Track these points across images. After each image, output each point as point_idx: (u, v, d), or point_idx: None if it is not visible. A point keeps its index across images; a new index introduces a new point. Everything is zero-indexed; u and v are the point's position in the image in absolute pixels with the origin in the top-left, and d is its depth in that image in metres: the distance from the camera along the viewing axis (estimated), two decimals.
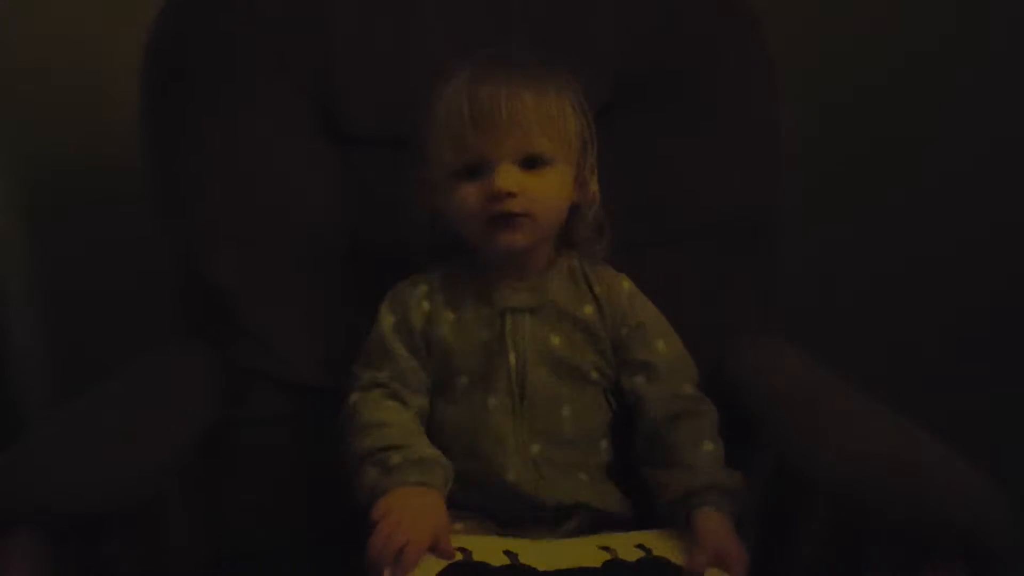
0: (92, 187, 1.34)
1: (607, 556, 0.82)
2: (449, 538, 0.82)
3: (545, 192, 0.90)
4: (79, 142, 1.33)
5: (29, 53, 1.29)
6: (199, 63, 1.06)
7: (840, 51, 1.36)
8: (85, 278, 1.36)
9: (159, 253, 1.09)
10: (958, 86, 1.36)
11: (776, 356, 1.04)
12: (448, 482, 0.88)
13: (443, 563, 0.80)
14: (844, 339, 1.21)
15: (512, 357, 0.92)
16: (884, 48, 1.36)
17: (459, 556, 0.81)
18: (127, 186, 1.23)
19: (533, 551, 0.83)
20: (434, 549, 0.80)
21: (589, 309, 0.96)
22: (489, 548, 0.83)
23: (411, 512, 0.81)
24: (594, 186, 0.96)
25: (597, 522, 0.91)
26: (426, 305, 0.95)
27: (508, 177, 0.87)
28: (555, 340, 0.94)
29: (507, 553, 0.83)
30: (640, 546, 0.84)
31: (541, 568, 0.80)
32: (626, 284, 0.98)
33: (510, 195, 0.88)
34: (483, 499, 0.91)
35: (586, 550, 0.83)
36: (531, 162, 0.89)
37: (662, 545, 0.84)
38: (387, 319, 0.95)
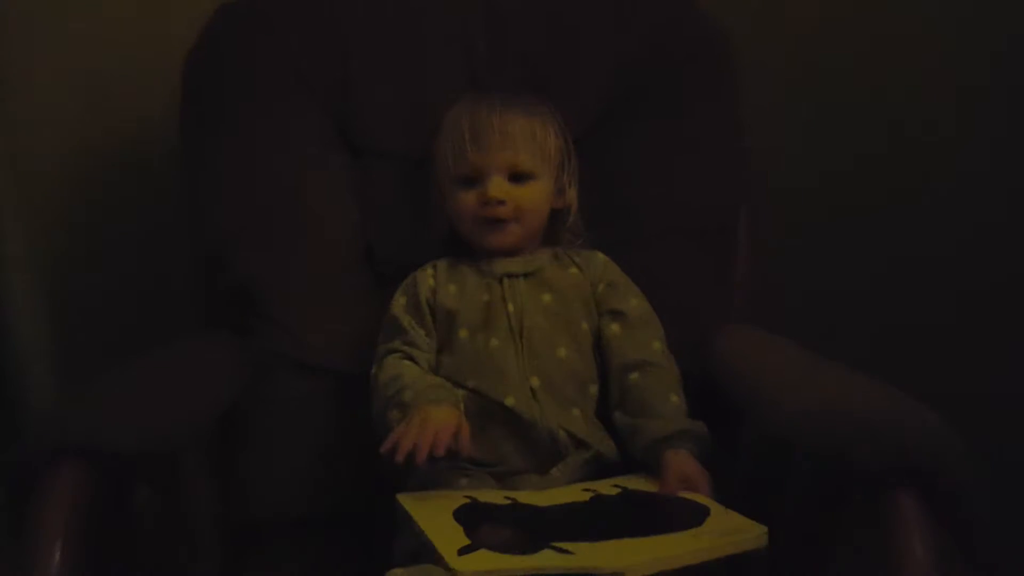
0: (95, 186, 1.40)
1: (591, 494, 0.93)
2: (467, 428, 0.93)
3: (528, 200, 1.07)
4: (83, 141, 1.38)
5: (34, 51, 1.35)
6: (229, 82, 1.19)
7: (837, 55, 1.41)
8: (87, 277, 1.41)
9: (172, 249, 1.18)
10: (957, 86, 1.39)
11: (748, 339, 1.14)
12: (459, 402, 0.98)
13: (457, 502, 0.89)
14: (843, 337, 1.24)
15: (511, 306, 1.06)
16: (883, 48, 1.40)
17: (467, 500, 0.90)
18: (132, 186, 1.34)
19: (529, 497, 0.93)
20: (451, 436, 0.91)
21: (574, 270, 1.11)
22: (491, 495, 0.93)
23: (422, 417, 0.92)
24: (572, 194, 1.12)
25: (587, 465, 1.00)
26: (432, 281, 1.09)
27: (498, 187, 1.05)
28: (547, 298, 1.07)
29: (507, 498, 0.92)
30: (616, 485, 0.95)
31: (539, 504, 0.90)
32: (601, 256, 1.13)
33: (499, 202, 1.05)
34: (484, 427, 0.99)
35: (573, 492, 0.94)
36: (518, 176, 1.06)
37: (636, 483, 0.95)
38: (399, 301, 1.09)
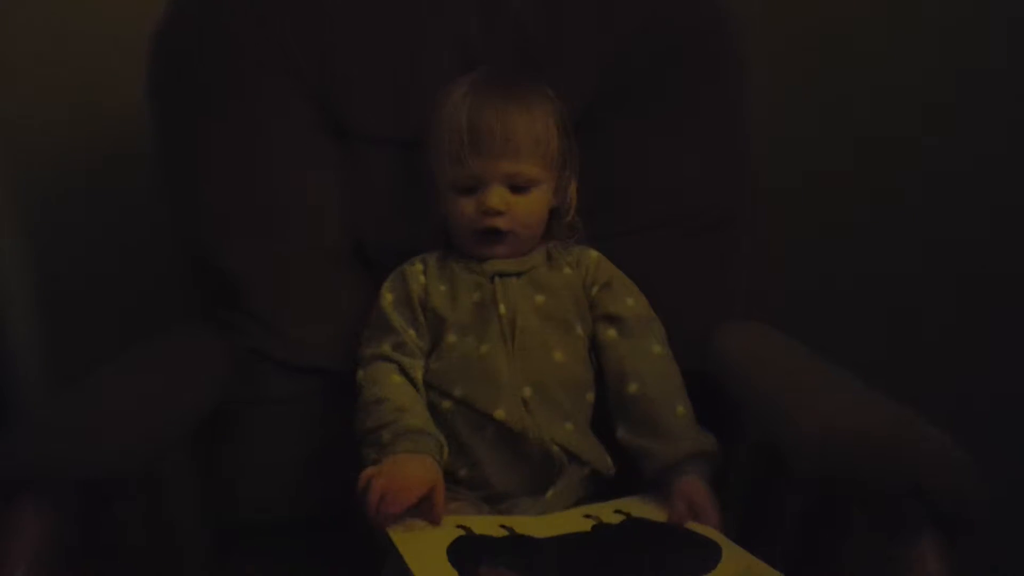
0: (89, 179, 1.36)
1: (592, 522, 0.88)
2: (442, 488, 0.88)
3: (528, 211, 1.02)
4: (75, 134, 1.35)
5: (25, 46, 1.32)
6: (206, 62, 1.11)
7: (838, 52, 1.39)
8: (81, 272, 1.38)
9: (163, 243, 1.13)
10: (956, 86, 1.38)
11: (752, 338, 1.10)
12: (442, 448, 0.93)
13: (451, 535, 0.84)
14: (842, 336, 1.23)
15: (503, 307, 1.00)
16: (881, 49, 1.39)
17: (461, 532, 0.85)
18: (126, 178, 1.29)
19: (526, 525, 0.88)
20: (425, 500, 0.86)
21: (567, 271, 1.05)
22: (487, 524, 0.88)
23: (393, 473, 0.87)
24: (572, 191, 1.07)
25: (583, 485, 0.97)
26: (422, 279, 1.04)
27: (498, 198, 1.00)
28: (540, 299, 1.02)
29: (504, 527, 0.87)
30: (619, 511, 0.91)
31: (537, 536, 0.86)
32: (594, 254, 1.08)
33: (498, 213, 1.00)
34: (471, 442, 0.96)
35: (572, 520, 0.89)
36: (518, 184, 1.01)
37: (639, 508, 0.91)
38: (387, 297, 1.03)
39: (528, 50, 1.15)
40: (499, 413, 0.95)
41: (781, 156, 1.35)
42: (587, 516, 0.89)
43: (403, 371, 0.99)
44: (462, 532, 0.85)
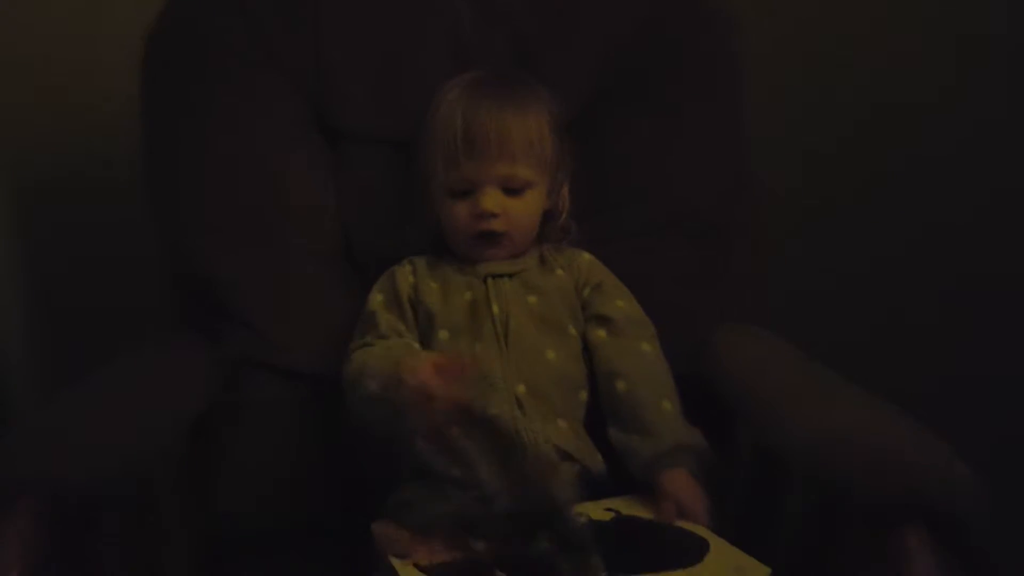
0: (80, 183, 1.36)
1: (584, 520, 0.87)
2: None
3: (523, 213, 1.03)
4: (67, 139, 1.35)
5: (19, 49, 1.31)
6: (195, 63, 1.10)
7: (838, 52, 1.40)
8: (73, 277, 1.38)
9: (152, 247, 1.11)
10: (956, 86, 1.39)
11: (748, 342, 1.09)
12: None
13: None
14: (837, 337, 1.24)
15: (496, 307, 1.00)
16: (880, 49, 1.40)
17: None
18: (117, 182, 1.26)
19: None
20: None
21: (560, 272, 1.05)
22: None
23: (410, 369, 0.88)
24: (564, 193, 1.07)
25: (574, 484, 0.94)
26: (411, 278, 1.04)
27: (492, 200, 1.00)
28: (532, 300, 1.02)
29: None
30: (609, 509, 0.90)
31: None
32: (585, 256, 1.07)
33: (494, 216, 1.00)
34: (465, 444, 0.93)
35: None
36: (513, 187, 1.00)
37: (628, 507, 0.91)
38: (376, 298, 1.03)
39: (522, 51, 1.13)
40: (492, 410, 0.93)
41: (776, 157, 1.34)
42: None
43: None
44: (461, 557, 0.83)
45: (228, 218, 1.08)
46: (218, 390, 1.05)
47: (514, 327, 0.99)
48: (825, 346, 1.00)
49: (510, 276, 1.03)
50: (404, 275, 1.03)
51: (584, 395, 1.01)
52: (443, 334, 0.99)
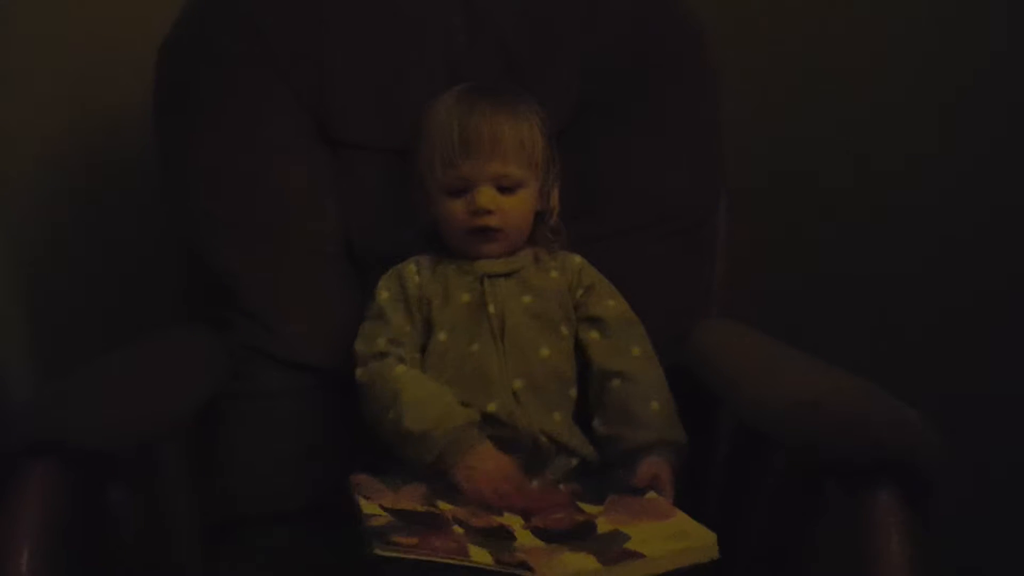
0: (78, 181, 1.39)
1: None
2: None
3: (516, 210, 1.07)
4: (64, 135, 1.38)
5: (18, 51, 1.34)
6: (206, 73, 1.18)
7: (830, 54, 1.41)
8: (67, 272, 1.40)
9: (159, 243, 1.17)
10: (956, 87, 1.39)
11: (726, 332, 1.15)
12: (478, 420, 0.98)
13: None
14: (826, 337, 1.23)
15: (492, 307, 1.05)
16: (876, 50, 1.41)
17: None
18: (117, 179, 1.33)
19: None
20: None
21: (554, 274, 1.10)
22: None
23: (487, 470, 0.95)
24: (555, 196, 1.12)
25: (568, 475, 1.01)
26: (417, 278, 1.08)
27: (487, 198, 1.05)
28: (527, 299, 1.06)
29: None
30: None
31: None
32: (577, 259, 1.12)
33: (488, 212, 1.05)
34: None
35: None
36: (506, 185, 1.06)
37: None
38: (383, 294, 1.08)
39: (512, 63, 1.21)
40: (491, 407, 0.99)
41: (769, 157, 1.40)
42: None
43: (402, 361, 1.03)
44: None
45: (240, 221, 1.15)
46: (225, 377, 1.10)
47: (510, 325, 1.04)
48: (825, 347, 1.01)
49: (506, 276, 1.07)
50: (411, 275, 1.08)
51: (574, 392, 1.05)
52: (442, 335, 1.04)
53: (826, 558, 0.89)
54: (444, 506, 0.90)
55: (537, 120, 1.09)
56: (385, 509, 0.87)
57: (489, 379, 1.01)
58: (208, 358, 1.10)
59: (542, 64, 1.21)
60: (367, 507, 0.87)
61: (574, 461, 1.02)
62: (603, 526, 0.89)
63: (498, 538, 0.86)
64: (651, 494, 0.94)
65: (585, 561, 0.82)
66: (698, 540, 0.84)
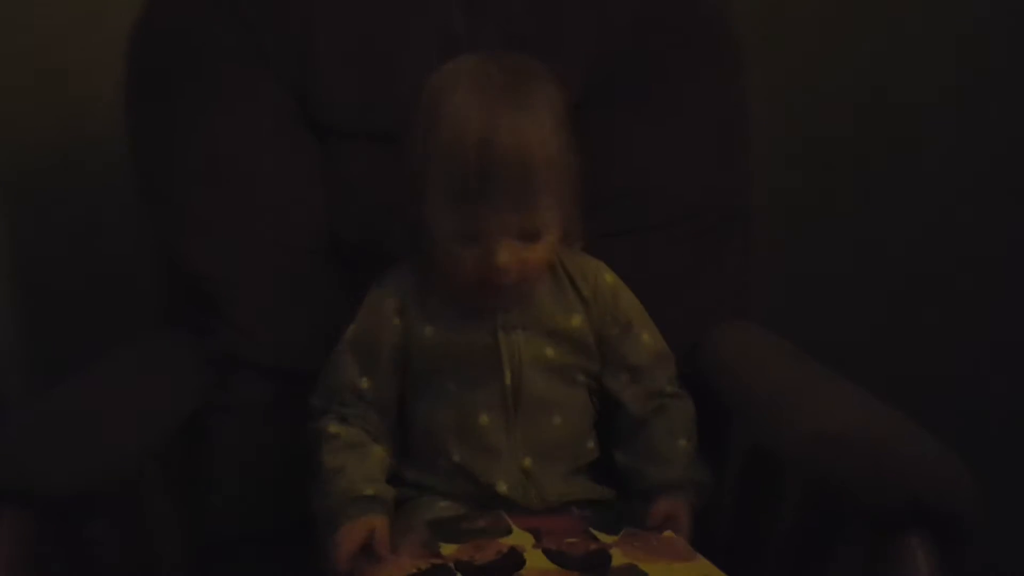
0: (67, 178, 1.34)
1: None
2: (383, 527, 0.88)
3: (540, 258, 0.91)
4: (53, 135, 1.33)
5: (13, 42, 1.30)
6: (181, 59, 1.08)
7: (835, 49, 1.38)
8: (62, 271, 1.37)
9: (140, 244, 1.11)
10: (956, 85, 1.38)
11: (746, 340, 1.08)
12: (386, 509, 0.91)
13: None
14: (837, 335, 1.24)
15: (508, 375, 0.92)
16: (880, 49, 1.39)
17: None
18: (104, 177, 1.26)
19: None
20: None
21: (577, 321, 0.96)
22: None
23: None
24: (579, 221, 0.95)
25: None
26: (397, 320, 0.94)
27: (508, 253, 0.88)
28: (549, 352, 0.94)
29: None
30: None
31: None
32: (609, 278, 0.98)
33: (507, 271, 0.89)
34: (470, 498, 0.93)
35: None
36: (530, 232, 0.89)
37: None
38: (352, 329, 0.96)
39: (515, 39, 1.10)
40: (501, 487, 0.91)
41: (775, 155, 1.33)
42: None
43: (343, 420, 0.94)
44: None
45: (217, 216, 1.07)
46: (207, 388, 1.04)
47: (527, 393, 0.92)
48: (825, 346, 0.99)
49: (524, 328, 0.93)
50: (388, 316, 0.94)
51: (591, 444, 0.97)
52: (451, 386, 0.93)
53: None
54: (447, 549, 0.85)
55: (560, 109, 0.91)
56: None
57: (497, 455, 0.92)
58: (187, 368, 1.03)
59: (548, 48, 1.08)
60: None
61: (590, 511, 0.94)
62: (618, 558, 0.84)
63: (505, 571, 0.81)
64: (668, 532, 0.89)
65: None
66: None
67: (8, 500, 0.76)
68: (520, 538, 0.86)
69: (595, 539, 0.87)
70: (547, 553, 0.83)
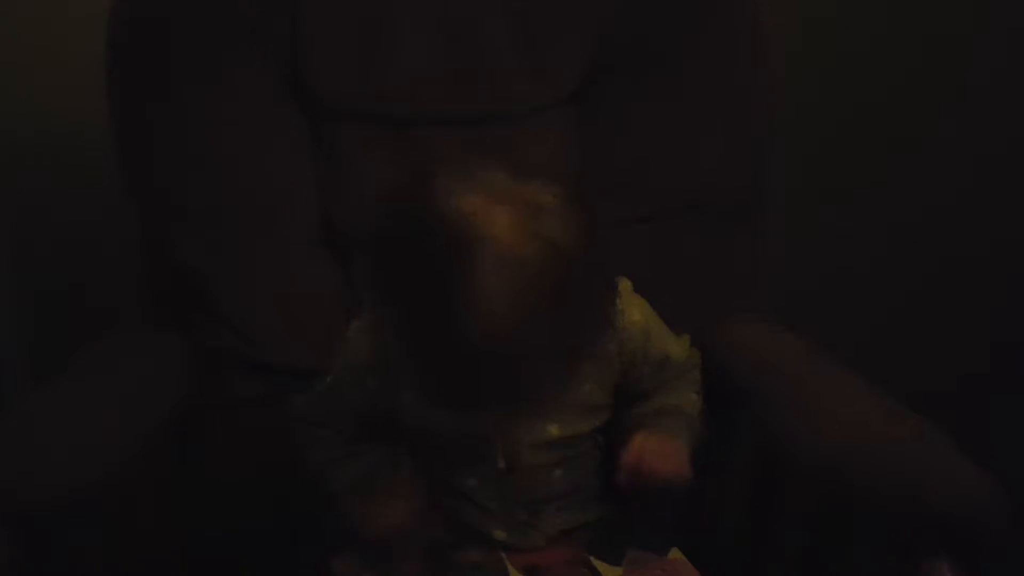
0: (61, 174, 1.33)
1: None
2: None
3: None
4: (46, 131, 1.32)
5: None
6: (163, 33, 1.03)
7: (839, 50, 1.37)
8: (56, 268, 1.36)
9: (130, 239, 1.07)
10: (957, 85, 1.38)
11: (760, 334, 1.04)
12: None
13: None
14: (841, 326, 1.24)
15: (501, 461, 0.83)
16: (887, 49, 1.38)
17: None
18: (98, 172, 1.20)
19: None
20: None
21: (588, 387, 0.85)
22: None
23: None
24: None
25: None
26: (371, 382, 0.83)
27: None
28: (554, 430, 0.84)
29: None
30: None
31: None
32: (636, 317, 0.86)
33: None
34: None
35: None
36: None
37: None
38: (338, 363, 0.87)
39: (519, 25, 1.05)
40: (499, 534, 0.85)
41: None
42: None
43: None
44: None
45: (204, 205, 1.04)
46: (193, 386, 1.01)
47: (524, 466, 0.84)
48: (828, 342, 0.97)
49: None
50: (359, 377, 0.83)
51: (595, 482, 0.89)
52: (436, 440, 0.84)
53: None
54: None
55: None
56: None
57: (490, 511, 0.85)
58: (174, 366, 1.01)
59: (555, 25, 1.05)
60: None
61: (592, 534, 0.89)
62: None
63: None
64: (674, 552, 0.85)
65: None
66: None
67: None
68: None
69: (598, 573, 0.84)
70: None
